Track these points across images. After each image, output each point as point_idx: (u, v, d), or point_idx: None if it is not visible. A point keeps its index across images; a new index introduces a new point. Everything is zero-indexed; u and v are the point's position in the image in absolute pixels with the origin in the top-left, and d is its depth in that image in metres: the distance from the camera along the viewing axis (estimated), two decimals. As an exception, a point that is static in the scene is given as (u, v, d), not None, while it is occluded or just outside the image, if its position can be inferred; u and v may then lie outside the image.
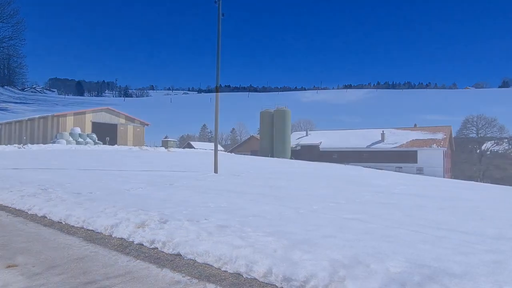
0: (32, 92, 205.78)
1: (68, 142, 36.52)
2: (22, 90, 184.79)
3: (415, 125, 62.05)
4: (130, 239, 4.74)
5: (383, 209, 8.00)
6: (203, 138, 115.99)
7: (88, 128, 42.21)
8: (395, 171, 44.12)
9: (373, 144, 55.16)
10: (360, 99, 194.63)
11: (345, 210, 7.61)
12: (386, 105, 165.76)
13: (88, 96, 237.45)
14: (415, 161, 51.06)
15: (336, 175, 21.01)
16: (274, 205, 7.79)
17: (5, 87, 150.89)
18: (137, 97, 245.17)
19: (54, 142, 36.04)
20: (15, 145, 33.32)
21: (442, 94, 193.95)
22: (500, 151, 66.25)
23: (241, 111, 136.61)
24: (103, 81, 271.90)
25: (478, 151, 66.52)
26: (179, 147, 65.86)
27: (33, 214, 6.17)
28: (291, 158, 51.85)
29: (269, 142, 56.19)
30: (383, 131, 56.13)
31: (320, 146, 58.12)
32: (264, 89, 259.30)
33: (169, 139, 59.46)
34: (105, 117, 44.30)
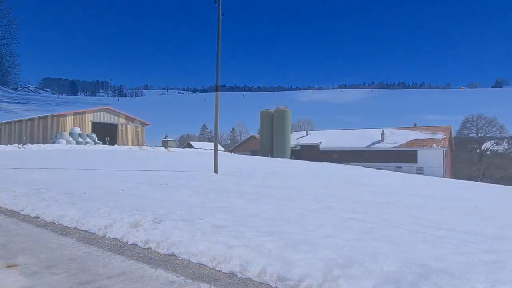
0: (25, 91, 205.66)
1: (68, 142, 36.50)
2: (15, 89, 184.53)
3: (415, 125, 62.04)
4: (124, 240, 4.70)
5: (383, 209, 7.97)
6: (203, 138, 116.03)
7: (88, 128, 42.18)
8: (395, 171, 44.10)
9: (373, 144, 55.13)
10: (359, 99, 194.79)
11: (345, 210, 7.57)
12: (386, 105, 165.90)
13: (82, 95, 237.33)
14: (415, 161, 51.02)
15: (336, 175, 20.98)
16: (274, 205, 7.75)
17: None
18: (131, 96, 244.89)
19: (54, 142, 36.02)
20: (15, 145, 33.30)
21: (441, 94, 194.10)
22: (500, 151, 66.25)
23: (238, 111, 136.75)
24: (97, 80, 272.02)
25: (478, 151, 66.51)
26: (179, 147, 65.86)
27: (25, 215, 6.12)
28: (291, 158, 51.82)
29: (269, 142, 56.17)
30: (383, 131, 56.09)
31: (320, 146, 58.09)
32: (259, 89, 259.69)
33: (169, 139, 59.46)
34: (105, 117, 44.27)
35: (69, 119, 40.92)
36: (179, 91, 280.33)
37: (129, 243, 4.57)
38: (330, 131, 65.36)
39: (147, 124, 48.69)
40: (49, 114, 41.64)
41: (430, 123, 71.46)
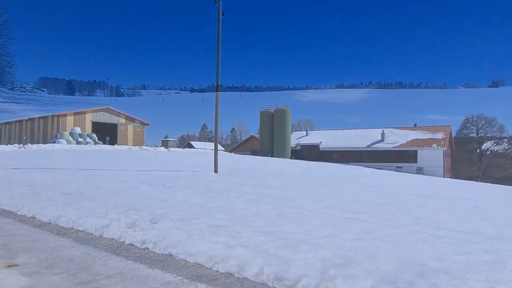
0: (21, 91, 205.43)
1: (68, 142, 36.49)
2: (12, 89, 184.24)
3: (415, 125, 62.00)
4: (121, 240, 4.67)
5: (383, 209, 7.95)
6: (203, 138, 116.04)
7: (88, 128, 42.18)
8: (395, 171, 44.08)
9: (373, 144, 55.10)
10: (358, 99, 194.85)
11: (345, 209, 7.56)
12: (386, 105, 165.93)
13: (79, 95, 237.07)
14: (415, 161, 50.99)
15: (336, 175, 20.97)
16: (274, 204, 7.74)
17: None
18: (128, 96, 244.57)
19: (54, 142, 36.00)
20: (15, 145, 33.29)
21: (440, 94, 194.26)
22: (500, 151, 66.21)
23: (236, 110, 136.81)
24: (94, 80, 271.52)
25: (478, 150, 66.47)
26: (179, 147, 65.86)
27: (22, 215, 6.10)
28: (291, 158, 51.81)
29: (269, 142, 56.15)
30: (383, 131, 56.07)
31: (320, 146, 58.07)
32: (257, 89, 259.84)
33: (169, 139, 59.44)
34: (105, 117, 44.26)
35: (69, 119, 40.91)
36: (177, 90, 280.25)
37: (126, 243, 4.54)
38: (330, 131, 65.34)
39: (147, 124, 48.68)
40: (49, 114, 41.63)
41: (430, 123, 71.46)
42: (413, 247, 4.66)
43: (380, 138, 55.18)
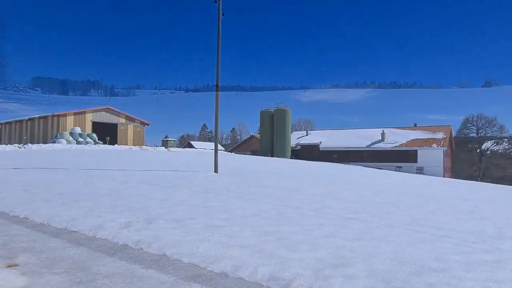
0: (14, 91, 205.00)
1: (68, 142, 36.50)
2: (4, 89, 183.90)
3: (415, 124, 62.03)
4: (115, 240, 4.68)
5: (383, 209, 7.97)
6: (203, 137, 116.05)
7: (88, 127, 42.18)
8: (395, 170, 44.10)
9: (373, 143, 55.11)
10: (358, 99, 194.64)
11: (345, 209, 7.57)
12: (385, 105, 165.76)
13: (73, 95, 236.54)
14: (415, 161, 51.00)
15: (336, 174, 20.98)
16: (274, 204, 7.75)
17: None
18: (123, 96, 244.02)
19: (54, 142, 36.01)
20: (15, 144, 33.29)
21: (440, 94, 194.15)
22: (500, 151, 66.23)
23: (234, 110, 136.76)
24: (88, 80, 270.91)
25: (478, 150, 66.48)
26: (179, 147, 65.85)
27: (15, 216, 6.10)
28: (291, 158, 51.82)
29: (269, 142, 56.16)
30: (383, 130, 56.09)
31: (320, 146, 58.08)
32: (252, 88, 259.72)
33: (169, 139, 59.43)
34: (105, 117, 44.26)
35: (70, 119, 40.92)
36: (172, 90, 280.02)
37: (119, 243, 4.54)
38: (330, 130, 65.35)
39: (147, 124, 48.68)
40: (49, 114, 41.64)
41: (430, 122, 71.63)
42: (413, 247, 4.67)
43: (380, 138, 55.19)
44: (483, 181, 52.37)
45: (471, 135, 68.08)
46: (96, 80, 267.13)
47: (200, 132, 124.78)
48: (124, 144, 41.79)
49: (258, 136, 67.55)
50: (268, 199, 8.55)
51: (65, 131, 39.09)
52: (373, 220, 6.42)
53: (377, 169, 38.31)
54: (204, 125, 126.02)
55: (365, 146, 55.09)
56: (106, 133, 42.30)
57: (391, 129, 58.29)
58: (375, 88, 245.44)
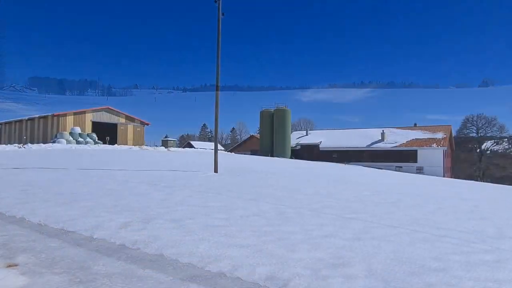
0: (11, 91, 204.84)
1: (68, 142, 36.49)
2: (1, 89, 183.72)
3: (415, 124, 61.98)
4: (114, 240, 4.67)
5: (383, 208, 7.97)
6: (203, 137, 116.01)
7: (88, 127, 42.16)
8: (395, 170, 44.10)
9: (373, 143, 55.09)
10: (358, 98, 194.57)
11: (345, 209, 7.57)
12: (385, 105, 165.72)
13: (70, 95, 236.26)
14: (415, 161, 50.98)
15: (336, 174, 20.97)
16: (274, 204, 7.75)
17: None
18: (120, 96, 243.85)
19: (54, 142, 36.00)
20: (15, 144, 33.28)
21: (439, 94, 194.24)
22: (500, 151, 66.19)
23: (232, 110, 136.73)
24: (85, 79, 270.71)
25: (478, 150, 66.46)
26: (179, 147, 65.84)
27: (14, 216, 6.08)
28: (291, 158, 51.81)
29: (269, 142, 56.14)
30: (383, 130, 56.07)
31: (320, 146, 58.06)
32: (250, 88, 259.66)
33: (169, 139, 59.40)
34: (105, 117, 44.23)
35: (69, 119, 40.90)
36: (169, 90, 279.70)
37: (117, 243, 4.53)
38: (330, 130, 65.32)
39: (147, 124, 48.66)
40: (49, 114, 41.63)
41: (430, 122, 71.68)
42: (413, 247, 4.67)
43: (380, 138, 55.17)
44: (483, 181, 52.37)
45: (471, 135, 68.05)
46: (94, 80, 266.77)
47: (200, 132, 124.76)
48: (124, 144, 41.77)
49: (258, 136, 67.53)
50: (268, 199, 8.54)
51: (65, 131, 39.08)
52: (373, 220, 6.42)
53: (377, 169, 38.31)
54: (204, 125, 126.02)
55: (365, 146, 55.06)
56: (106, 133, 42.29)
57: (391, 129, 58.27)
58: (375, 88, 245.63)
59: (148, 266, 3.79)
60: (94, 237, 4.85)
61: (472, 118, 67.86)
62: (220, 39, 15.85)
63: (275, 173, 17.81)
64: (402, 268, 3.79)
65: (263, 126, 58.30)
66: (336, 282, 3.36)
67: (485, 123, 66.35)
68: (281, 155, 52.64)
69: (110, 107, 46.52)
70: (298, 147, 59.73)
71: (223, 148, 67.15)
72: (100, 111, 44.47)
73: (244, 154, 53.85)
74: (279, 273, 3.58)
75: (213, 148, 16.69)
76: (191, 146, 75.08)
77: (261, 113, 58.78)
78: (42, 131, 41.84)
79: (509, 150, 66.56)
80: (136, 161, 20.31)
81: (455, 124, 67.58)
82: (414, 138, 53.94)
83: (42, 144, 33.32)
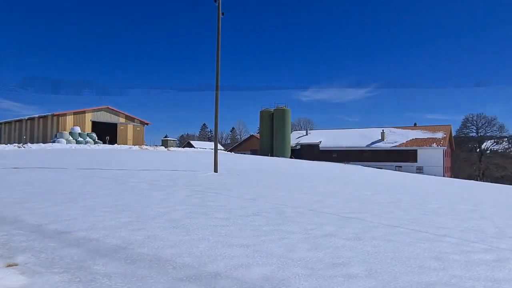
0: (6, 90, 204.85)
1: (68, 142, 36.50)
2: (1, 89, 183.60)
3: (415, 124, 62.01)
4: (114, 240, 4.67)
5: (383, 208, 7.97)
6: (203, 137, 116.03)
7: (88, 127, 42.17)
8: (395, 170, 44.13)
9: (373, 143, 55.12)
10: (358, 98, 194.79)
11: (345, 209, 7.57)
12: (385, 105, 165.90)
13: (66, 94, 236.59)
14: (415, 160, 51.02)
15: (336, 174, 20.98)
16: (274, 204, 7.75)
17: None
18: (118, 95, 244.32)
19: (54, 142, 36.01)
20: (15, 144, 33.28)
21: (438, 94, 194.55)
22: (500, 150, 66.27)
23: (233, 109, 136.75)
24: (82, 79, 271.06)
25: (478, 150, 66.52)
26: (179, 146, 65.85)
27: (4, 217, 6.07)
28: (291, 157, 51.83)
29: (269, 141, 56.16)
30: (383, 130, 56.10)
31: (320, 145, 58.08)
32: (247, 88, 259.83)
33: (169, 139, 59.39)
34: (105, 116, 44.23)
35: (69, 119, 40.90)
36: (165, 90, 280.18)
37: (113, 244, 4.52)
38: (330, 130, 65.33)
39: (147, 123, 48.65)
40: (49, 114, 41.63)
41: (430, 122, 71.74)
42: (413, 246, 4.67)
43: (380, 138, 55.20)
44: (483, 181, 52.43)
45: (471, 134, 68.11)
46: (90, 79, 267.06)
47: (200, 132, 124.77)
48: (124, 144, 41.79)
49: (258, 135, 67.55)
50: (268, 198, 8.54)
51: (65, 130, 39.10)
52: (373, 220, 6.42)
53: (377, 169, 38.34)
54: (204, 124, 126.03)
55: (365, 145, 55.09)
56: (106, 133, 42.30)
57: (391, 128, 58.30)
58: (375, 87, 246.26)
59: (147, 265, 3.79)
60: (94, 237, 4.84)
61: (472, 118, 67.93)
62: (220, 38, 15.86)
63: (274, 172, 17.81)
64: (402, 268, 3.79)
65: (263, 126, 58.31)
66: (336, 282, 3.36)
67: (485, 123, 66.42)
68: (281, 154, 52.66)
69: (110, 107, 46.49)
70: (298, 146, 59.74)
71: (223, 148, 67.19)
72: (100, 110, 44.45)
73: (244, 153, 53.86)
74: (279, 273, 3.58)
75: (213, 147, 16.69)
76: (191, 145, 75.10)
77: (261, 112, 58.79)
78: (42, 131, 41.85)
79: (509, 150, 66.63)
80: (136, 161, 20.31)
81: (455, 123, 67.78)
82: (414, 137, 53.96)
83: (42, 144, 33.33)
